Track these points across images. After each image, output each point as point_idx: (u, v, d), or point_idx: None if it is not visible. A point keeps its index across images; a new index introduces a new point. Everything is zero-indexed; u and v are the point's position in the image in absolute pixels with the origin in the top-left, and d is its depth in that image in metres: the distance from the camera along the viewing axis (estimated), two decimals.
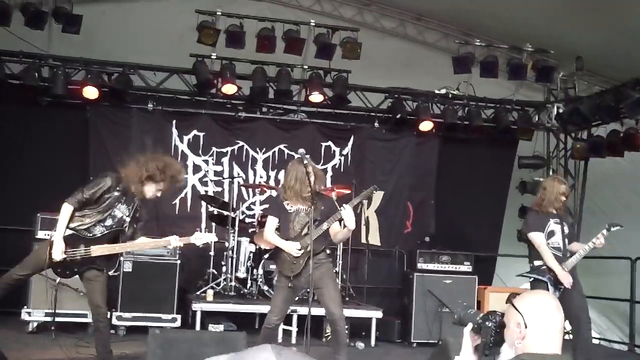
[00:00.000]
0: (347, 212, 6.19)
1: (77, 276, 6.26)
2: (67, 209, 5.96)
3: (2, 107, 9.88)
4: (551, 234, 7.19)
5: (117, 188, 6.08)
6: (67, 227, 5.98)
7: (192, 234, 10.04)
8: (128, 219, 6.16)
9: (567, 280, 6.98)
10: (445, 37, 11.79)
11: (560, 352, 2.84)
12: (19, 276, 6.08)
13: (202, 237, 6.40)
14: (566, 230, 7.26)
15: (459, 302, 3.28)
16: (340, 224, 6.35)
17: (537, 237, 7.17)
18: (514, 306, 2.90)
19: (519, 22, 10.60)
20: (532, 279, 7.23)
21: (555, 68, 10.81)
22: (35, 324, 8.48)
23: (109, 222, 6.11)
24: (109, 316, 6.36)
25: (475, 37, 11.04)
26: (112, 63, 10.06)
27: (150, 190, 6.18)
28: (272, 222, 6.61)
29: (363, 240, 10.46)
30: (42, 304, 8.25)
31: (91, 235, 6.07)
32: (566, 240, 7.23)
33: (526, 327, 2.82)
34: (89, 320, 8.28)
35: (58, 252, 5.91)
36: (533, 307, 2.86)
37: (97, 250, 6.04)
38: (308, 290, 6.28)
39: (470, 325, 3.14)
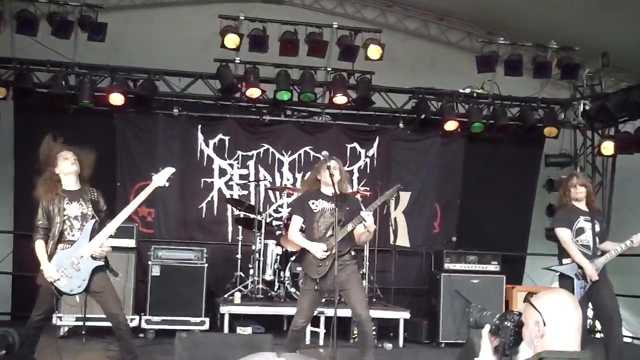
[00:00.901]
0: (366, 215, 6.21)
1: None
2: (38, 244, 6.12)
3: (30, 116, 10.01)
4: (580, 231, 7.09)
5: (50, 196, 6.15)
6: (50, 253, 6.06)
7: (220, 237, 10.23)
8: (91, 212, 6.18)
9: (592, 274, 6.88)
10: (469, 36, 11.78)
11: (579, 349, 2.84)
12: (39, 316, 6.17)
13: (163, 174, 6.29)
14: (597, 228, 7.13)
15: (474, 305, 3.28)
16: (364, 227, 6.36)
17: (562, 233, 7.10)
18: (532, 305, 2.91)
19: (543, 20, 10.53)
20: (558, 273, 7.17)
21: (580, 65, 10.71)
22: (66, 329, 8.60)
23: (76, 224, 6.14)
24: (128, 322, 6.39)
25: (499, 36, 10.97)
26: (138, 69, 10.17)
27: (63, 169, 6.25)
28: (296, 221, 6.65)
29: (392, 242, 10.41)
30: (73, 309, 8.35)
31: (72, 242, 6.10)
32: (597, 239, 7.11)
33: (545, 325, 2.84)
34: None
35: (52, 272, 5.99)
36: (551, 305, 2.87)
37: (86, 251, 6.05)
38: (334, 291, 6.28)
39: (488, 327, 3.14)
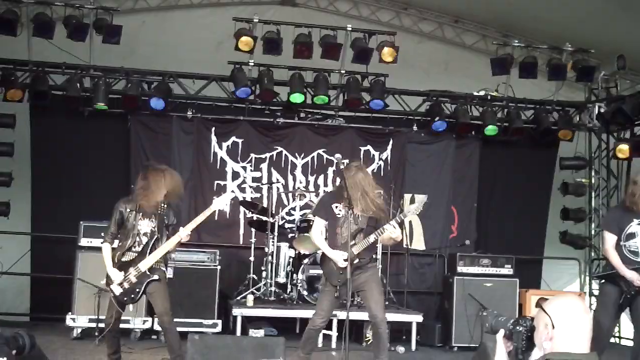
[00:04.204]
0: (391, 227, 6.20)
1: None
2: (105, 247, 6.44)
3: (46, 118, 10.11)
4: (631, 236, 6.67)
5: (128, 209, 6.40)
6: (117, 261, 6.37)
7: (231, 240, 10.25)
8: (156, 229, 6.40)
9: (634, 278, 6.49)
10: (484, 38, 11.74)
11: (588, 351, 2.89)
12: (110, 319, 6.44)
13: (223, 199, 6.63)
14: None
15: (490, 311, 3.29)
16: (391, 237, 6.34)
17: (606, 237, 6.75)
18: (542, 308, 2.96)
19: (558, 22, 10.47)
20: (602, 281, 6.93)
21: (596, 67, 10.66)
22: (79, 330, 8.66)
23: (144, 239, 6.38)
24: (173, 322, 6.52)
25: (514, 38, 10.95)
26: (152, 72, 10.20)
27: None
28: (319, 223, 6.62)
29: (405, 245, 10.35)
30: (86, 310, 8.43)
31: (132, 257, 6.36)
32: None
33: (553, 327, 2.89)
34: (131, 326, 8.51)
35: (117, 276, 6.31)
36: (560, 309, 2.92)
37: (144, 265, 6.30)
38: (353, 293, 6.28)
39: (502, 332, 3.15)
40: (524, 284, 9.80)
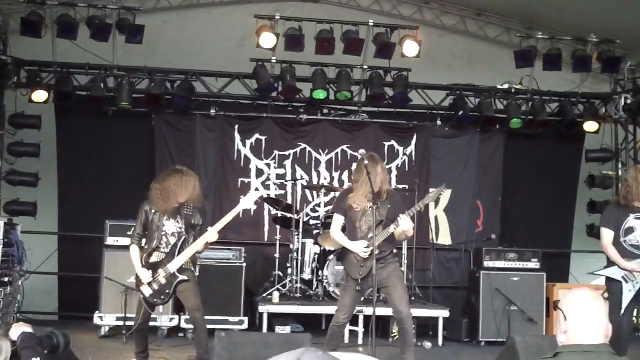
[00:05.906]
0: (404, 221, 6.19)
1: None
2: (132, 249, 6.48)
3: (71, 118, 10.22)
4: (629, 230, 6.67)
5: (153, 210, 6.44)
6: (144, 263, 6.42)
7: (256, 237, 10.27)
8: (183, 229, 6.44)
9: (633, 267, 6.53)
10: (507, 31, 11.65)
11: (604, 339, 2.96)
12: (138, 319, 6.48)
13: (249, 198, 6.82)
14: None
15: None
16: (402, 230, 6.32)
17: (604, 234, 6.76)
18: (557, 306, 3.09)
19: (582, 13, 10.37)
20: (604, 277, 6.85)
21: (621, 58, 10.54)
22: (107, 328, 8.75)
23: (172, 239, 6.43)
24: (203, 319, 6.54)
25: (538, 30, 10.84)
26: (175, 70, 10.26)
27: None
28: (338, 220, 6.61)
29: (431, 240, 10.32)
30: (113, 308, 8.49)
31: (161, 258, 6.41)
32: None
33: (565, 319, 3.00)
34: (157, 323, 8.54)
35: (146, 277, 6.35)
36: (569, 300, 3.05)
37: (173, 266, 6.34)
38: (376, 290, 6.26)
39: None
40: (551, 277, 9.72)
